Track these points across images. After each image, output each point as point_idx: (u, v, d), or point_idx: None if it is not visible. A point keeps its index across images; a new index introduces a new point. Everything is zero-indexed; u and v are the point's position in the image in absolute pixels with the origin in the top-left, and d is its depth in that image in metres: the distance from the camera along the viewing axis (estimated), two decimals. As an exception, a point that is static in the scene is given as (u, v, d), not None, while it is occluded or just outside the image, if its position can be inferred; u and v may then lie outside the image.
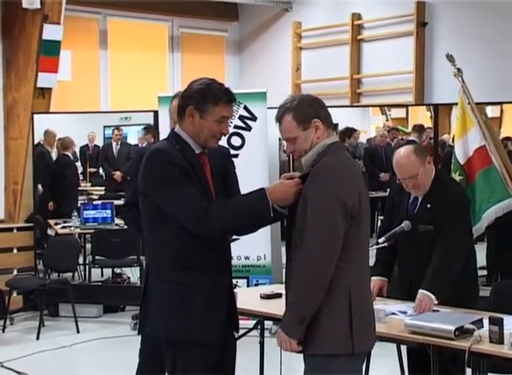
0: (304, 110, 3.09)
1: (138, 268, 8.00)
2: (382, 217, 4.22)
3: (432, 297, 4.03)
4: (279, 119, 3.14)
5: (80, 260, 8.25)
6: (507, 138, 7.85)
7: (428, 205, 4.23)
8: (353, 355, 3.03)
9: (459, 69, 6.30)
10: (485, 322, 3.60)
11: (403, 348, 4.49)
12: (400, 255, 4.39)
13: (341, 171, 3.05)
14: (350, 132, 8.72)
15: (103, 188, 9.36)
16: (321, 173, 3.02)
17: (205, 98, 3.15)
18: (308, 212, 2.99)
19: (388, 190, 4.73)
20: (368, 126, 9.24)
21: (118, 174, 9.19)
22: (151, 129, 8.27)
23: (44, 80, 8.28)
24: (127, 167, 8.62)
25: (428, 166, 4.24)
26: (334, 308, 3.00)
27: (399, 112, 9.19)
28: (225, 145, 7.23)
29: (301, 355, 3.12)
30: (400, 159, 4.23)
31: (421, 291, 4.04)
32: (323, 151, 3.10)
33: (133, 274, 8.22)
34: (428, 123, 8.07)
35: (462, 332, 3.52)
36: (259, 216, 3.13)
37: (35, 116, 8.24)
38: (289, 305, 3.04)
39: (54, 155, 8.91)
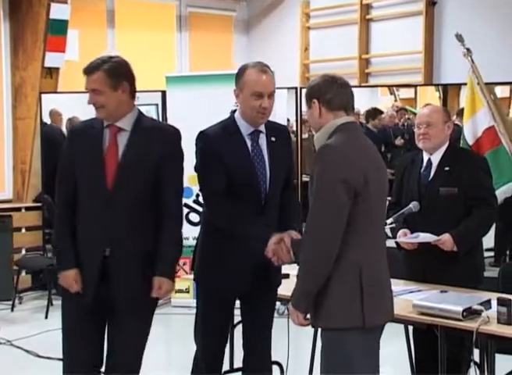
0: (310, 89, 3.27)
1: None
2: (389, 198, 4.19)
3: (454, 247, 4.09)
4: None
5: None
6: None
7: (447, 168, 4.25)
8: (363, 328, 3.07)
9: (468, 49, 6.26)
10: (493, 303, 3.60)
11: (411, 329, 4.48)
12: (415, 229, 4.28)
13: (343, 150, 3.10)
14: (374, 113, 8.50)
15: (110, 167, 9.33)
16: (323, 153, 3.12)
17: None
18: (313, 192, 3.08)
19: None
20: (376, 106, 9.18)
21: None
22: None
23: (51, 59, 8.28)
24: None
25: (447, 129, 4.31)
26: (343, 282, 3.06)
27: (407, 93, 9.12)
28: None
29: (310, 335, 3.13)
30: (427, 108, 4.44)
31: (448, 234, 4.09)
32: (333, 132, 3.17)
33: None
34: (436, 103, 8.02)
35: (470, 313, 3.52)
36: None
37: (42, 95, 8.24)
38: (297, 280, 3.11)
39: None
